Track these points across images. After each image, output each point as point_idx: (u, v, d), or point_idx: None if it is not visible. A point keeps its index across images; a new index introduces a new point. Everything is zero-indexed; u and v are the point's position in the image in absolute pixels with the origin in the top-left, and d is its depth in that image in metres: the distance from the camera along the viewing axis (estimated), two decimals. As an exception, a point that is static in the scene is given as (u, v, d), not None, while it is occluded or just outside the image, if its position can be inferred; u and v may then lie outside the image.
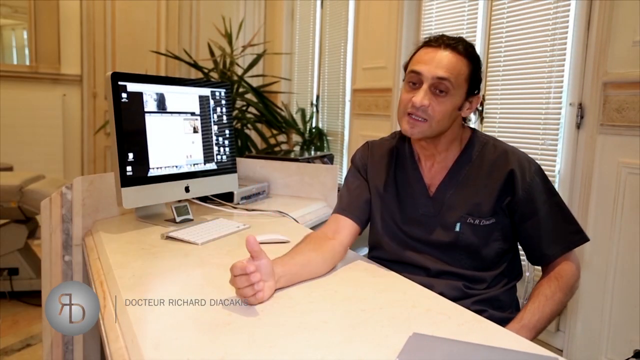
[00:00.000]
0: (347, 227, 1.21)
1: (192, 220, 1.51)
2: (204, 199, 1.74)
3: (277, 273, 0.96)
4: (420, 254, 1.18)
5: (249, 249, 0.90)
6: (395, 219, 1.22)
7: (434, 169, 1.21)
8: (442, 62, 1.09)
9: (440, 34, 1.17)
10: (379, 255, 1.26)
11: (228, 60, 3.60)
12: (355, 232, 1.23)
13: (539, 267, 1.22)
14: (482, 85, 2.47)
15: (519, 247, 1.23)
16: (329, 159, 2.43)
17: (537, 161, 1.19)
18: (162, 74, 4.46)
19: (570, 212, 1.18)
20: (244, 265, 0.88)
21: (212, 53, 3.58)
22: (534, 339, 1.05)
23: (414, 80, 1.12)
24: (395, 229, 1.22)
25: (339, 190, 1.71)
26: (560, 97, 2.15)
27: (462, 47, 1.12)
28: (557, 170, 2.16)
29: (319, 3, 4.03)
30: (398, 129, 1.21)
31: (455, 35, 1.15)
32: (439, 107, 1.10)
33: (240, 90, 3.54)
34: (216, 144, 1.69)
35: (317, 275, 1.07)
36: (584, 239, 1.16)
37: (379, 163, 1.28)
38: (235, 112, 3.52)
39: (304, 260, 1.05)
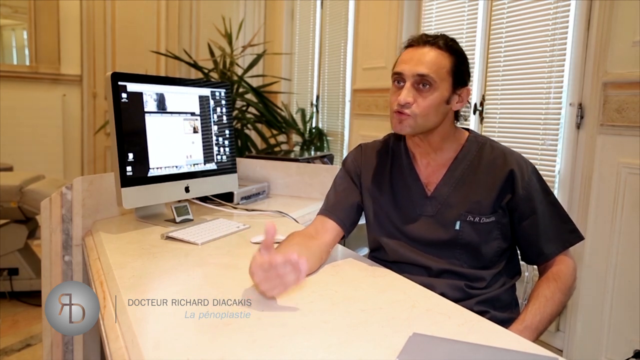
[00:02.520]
0: (330, 229, 1.21)
1: (192, 220, 1.51)
2: (204, 199, 1.74)
3: None
4: (421, 254, 1.18)
5: (267, 237, 0.89)
6: (393, 220, 1.22)
7: (430, 167, 1.22)
8: (422, 59, 1.12)
9: (421, 33, 1.20)
10: (380, 257, 1.26)
11: (228, 61, 3.60)
12: (339, 235, 1.23)
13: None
14: (482, 85, 2.50)
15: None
16: (328, 159, 2.43)
17: (537, 161, 1.20)
18: (162, 74, 4.46)
19: (565, 211, 1.20)
20: (288, 255, 0.87)
21: (212, 53, 3.58)
22: (536, 340, 1.05)
23: (398, 80, 1.15)
24: (393, 230, 1.22)
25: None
26: (560, 97, 2.15)
27: (442, 42, 1.14)
28: (557, 171, 2.16)
29: (319, 3, 4.03)
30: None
31: (436, 33, 1.17)
32: (423, 103, 1.11)
33: (240, 90, 3.54)
34: (216, 144, 1.69)
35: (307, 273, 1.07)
36: (580, 237, 1.18)
37: (373, 165, 1.28)
38: (235, 112, 3.52)
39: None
